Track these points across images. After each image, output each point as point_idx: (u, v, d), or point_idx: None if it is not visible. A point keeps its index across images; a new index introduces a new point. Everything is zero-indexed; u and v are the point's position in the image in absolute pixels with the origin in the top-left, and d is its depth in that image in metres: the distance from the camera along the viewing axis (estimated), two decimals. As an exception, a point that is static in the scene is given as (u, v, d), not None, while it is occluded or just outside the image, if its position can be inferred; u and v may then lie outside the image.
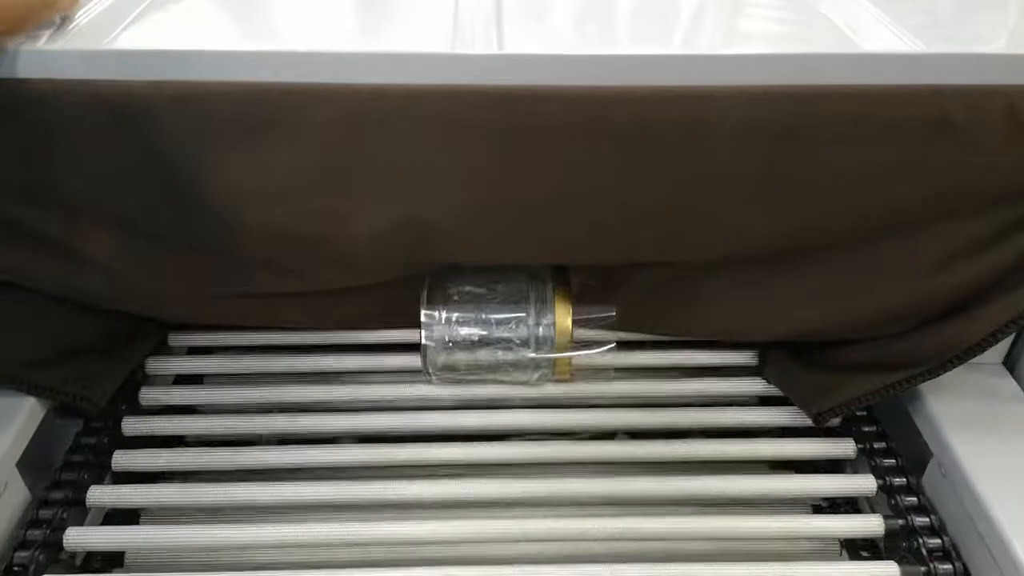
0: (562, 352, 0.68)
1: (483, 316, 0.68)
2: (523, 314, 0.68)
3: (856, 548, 0.67)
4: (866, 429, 0.71)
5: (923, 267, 0.62)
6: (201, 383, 0.76)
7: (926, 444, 0.67)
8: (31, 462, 0.64)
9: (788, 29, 0.65)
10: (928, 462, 0.67)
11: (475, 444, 0.69)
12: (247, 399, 0.73)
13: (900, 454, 0.69)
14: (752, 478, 0.68)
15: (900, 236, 0.61)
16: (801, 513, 0.70)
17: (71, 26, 0.56)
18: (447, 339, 0.68)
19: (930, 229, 0.60)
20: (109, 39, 0.56)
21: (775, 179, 0.57)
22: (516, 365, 0.69)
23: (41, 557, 0.59)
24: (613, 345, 0.70)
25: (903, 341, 0.65)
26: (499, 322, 0.68)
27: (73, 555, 0.62)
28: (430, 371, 0.69)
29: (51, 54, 0.52)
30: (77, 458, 0.67)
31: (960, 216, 0.60)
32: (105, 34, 0.56)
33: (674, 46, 0.62)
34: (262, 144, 0.54)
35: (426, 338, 0.68)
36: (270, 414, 0.72)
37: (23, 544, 0.60)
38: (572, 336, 0.68)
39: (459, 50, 0.56)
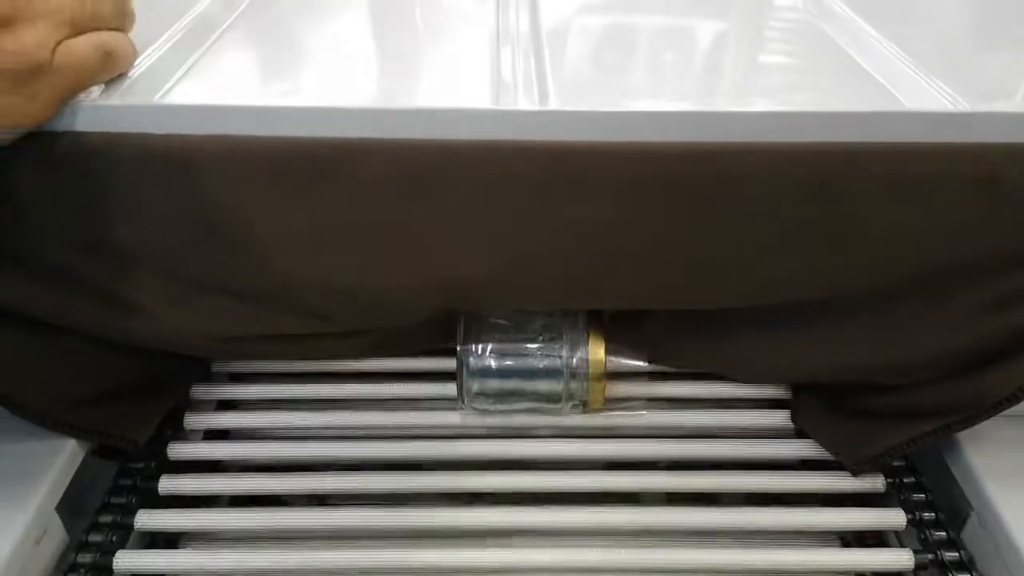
0: (595, 383, 0.69)
1: (517, 346, 0.69)
2: (557, 345, 0.69)
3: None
4: (906, 480, 0.71)
5: (957, 318, 0.61)
6: (239, 408, 0.78)
7: (965, 498, 0.66)
8: (70, 504, 0.64)
9: (830, 83, 0.66)
10: (968, 516, 0.66)
11: (510, 473, 0.70)
12: (284, 424, 0.74)
13: (939, 508, 0.68)
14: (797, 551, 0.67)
15: (934, 288, 0.61)
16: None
17: (125, 81, 0.57)
18: (482, 368, 0.69)
19: (966, 281, 0.60)
20: (161, 93, 0.57)
21: (816, 235, 0.58)
22: (549, 396, 0.70)
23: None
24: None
25: (939, 390, 0.64)
26: (533, 352, 0.69)
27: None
28: (464, 400, 0.70)
29: (107, 108, 0.53)
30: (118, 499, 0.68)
31: (998, 269, 0.59)
32: (157, 88, 0.58)
33: (717, 102, 0.63)
34: (308, 197, 0.55)
35: (461, 367, 0.69)
36: (307, 441, 0.73)
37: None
38: (605, 368, 0.69)
39: (503, 106, 0.57)
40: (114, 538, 0.65)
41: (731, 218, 0.57)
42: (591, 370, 0.68)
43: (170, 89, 0.58)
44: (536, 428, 0.73)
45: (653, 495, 0.75)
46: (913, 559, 0.64)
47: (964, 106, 0.57)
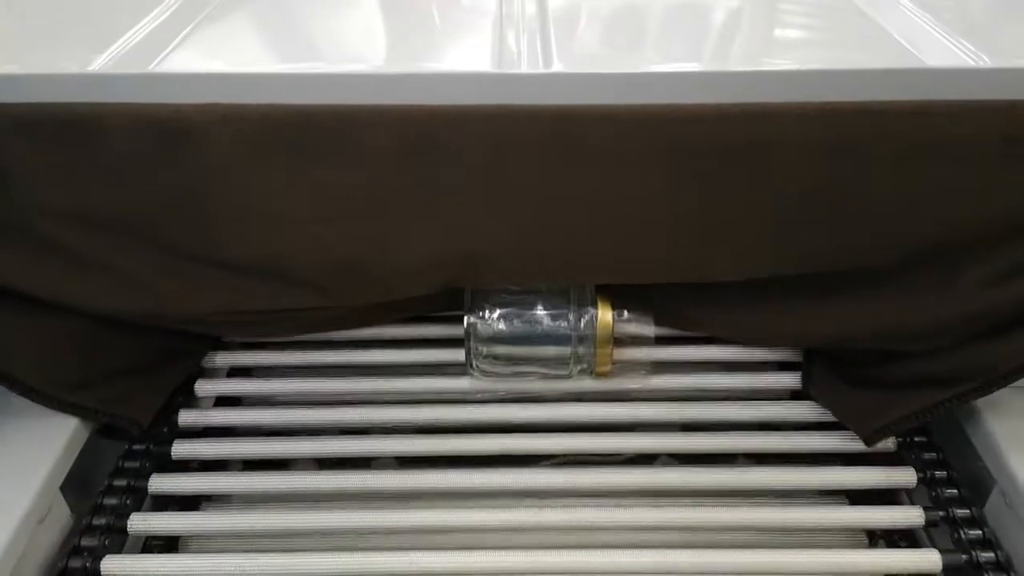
0: (602, 348, 0.68)
1: (526, 311, 0.69)
2: (564, 309, 0.69)
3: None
4: (926, 456, 0.69)
5: (977, 281, 0.59)
6: (250, 375, 0.78)
7: (988, 472, 0.64)
8: (75, 483, 0.63)
9: (845, 41, 0.64)
10: (991, 491, 0.64)
11: (519, 436, 0.69)
12: (294, 390, 0.74)
13: (960, 484, 0.66)
14: (806, 509, 0.66)
15: (951, 253, 0.59)
16: (855, 544, 0.68)
17: (119, 51, 0.56)
18: (490, 333, 0.68)
19: (986, 243, 0.58)
20: (156, 62, 0.56)
21: (834, 198, 0.55)
22: (557, 359, 0.69)
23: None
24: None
25: (953, 357, 0.63)
26: (541, 317, 0.69)
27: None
28: (473, 365, 0.70)
29: (98, 77, 0.52)
30: (120, 482, 0.67)
31: (1016, 233, 0.57)
32: (152, 57, 0.56)
33: (727, 62, 0.61)
34: (310, 166, 0.54)
35: (470, 332, 0.68)
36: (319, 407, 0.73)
37: (65, 571, 0.59)
38: (613, 331, 0.68)
39: (506, 69, 0.55)
40: (128, 501, 0.65)
41: (747, 184, 0.55)
42: (598, 334, 0.68)
43: (164, 59, 0.56)
44: (545, 392, 0.73)
45: (663, 456, 0.75)
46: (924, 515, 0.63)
47: (986, 62, 0.54)
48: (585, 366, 0.70)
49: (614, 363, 0.70)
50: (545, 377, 0.71)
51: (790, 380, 0.73)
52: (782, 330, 0.69)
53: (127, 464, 0.68)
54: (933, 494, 0.66)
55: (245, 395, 0.77)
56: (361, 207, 0.56)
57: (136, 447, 0.69)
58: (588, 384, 0.72)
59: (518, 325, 0.68)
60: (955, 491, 0.65)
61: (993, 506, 0.64)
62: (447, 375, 0.74)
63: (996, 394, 0.65)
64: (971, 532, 0.62)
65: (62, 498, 0.62)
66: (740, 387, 0.73)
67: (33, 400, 0.62)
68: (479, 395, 0.73)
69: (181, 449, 0.69)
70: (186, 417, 0.72)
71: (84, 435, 0.65)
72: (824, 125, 0.52)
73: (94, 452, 0.67)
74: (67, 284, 0.60)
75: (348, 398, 0.74)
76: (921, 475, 0.66)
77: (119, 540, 0.64)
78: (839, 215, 0.56)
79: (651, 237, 0.59)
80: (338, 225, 0.57)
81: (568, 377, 0.71)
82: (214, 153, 0.53)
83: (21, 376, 0.61)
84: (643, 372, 0.72)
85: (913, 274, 0.61)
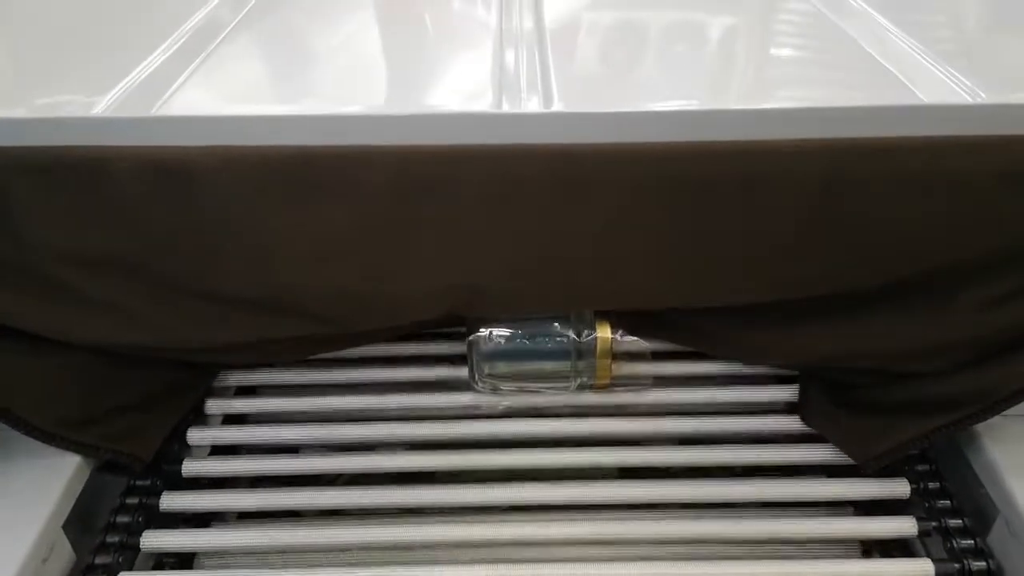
0: (602, 362, 0.70)
1: (526, 328, 0.70)
2: (564, 325, 0.70)
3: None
4: (931, 486, 0.69)
5: (972, 304, 0.59)
6: (254, 394, 0.79)
7: (992, 501, 0.64)
8: (77, 520, 0.63)
9: (843, 77, 0.64)
10: (994, 520, 0.64)
11: (521, 451, 0.71)
12: (298, 408, 0.75)
13: (964, 513, 0.66)
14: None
15: (946, 280, 0.59)
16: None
17: (124, 91, 0.56)
18: (492, 350, 0.70)
19: (983, 269, 0.58)
20: (158, 106, 0.56)
21: (830, 231, 0.56)
22: (558, 374, 0.71)
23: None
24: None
25: (950, 383, 0.63)
26: (541, 333, 0.70)
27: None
28: (476, 380, 0.71)
29: (102, 121, 0.53)
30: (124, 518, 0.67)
31: (1015, 260, 0.58)
32: (155, 98, 0.57)
33: (727, 99, 0.61)
34: (311, 206, 0.54)
35: (472, 349, 0.70)
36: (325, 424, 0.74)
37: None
38: (611, 346, 0.69)
39: (507, 109, 0.56)
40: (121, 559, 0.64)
41: (744, 218, 0.55)
42: (598, 349, 0.69)
43: (166, 102, 0.57)
44: (546, 406, 0.74)
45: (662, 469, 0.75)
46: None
47: (983, 98, 0.55)
48: (585, 380, 0.71)
49: (613, 377, 0.71)
50: (546, 392, 0.73)
51: (787, 394, 0.74)
52: (780, 350, 0.69)
53: (128, 500, 0.68)
54: (936, 524, 0.66)
55: (253, 413, 0.77)
56: (361, 243, 0.57)
57: (139, 483, 0.69)
58: (588, 398, 0.73)
59: (519, 342, 0.70)
60: (960, 521, 0.65)
61: (997, 535, 0.64)
62: (450, 390, 0.75)
63: (998, 423, 0.65)
64: (976, 563, 0.62)
65: (64, 537, 0.62)
66: (738, 400, 0.74)
67: (35, 438, 0.62)
68: (482, 409, 0.74)
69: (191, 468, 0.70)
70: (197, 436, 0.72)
71: (86, 473, 0.65)
72: (820, 161, 0.53)
73: (96, 489, 0.67)
74: (71, 321, 0.60)
75: (352, 415, 0.75)
76: (927, 506, 0.66)
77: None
78: (835, 247, 0.57)
79: (650, 268, 0.60)
80: (338, 261, 0.57)
81: (569, 391, 0.72)
82: (217, 194, 0.53)
83: (23, 414, 0.61)
84: (642, 386, 0.74)
85: (910, 296, 0.61)
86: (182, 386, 0.72)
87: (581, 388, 0.72)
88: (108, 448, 0.65)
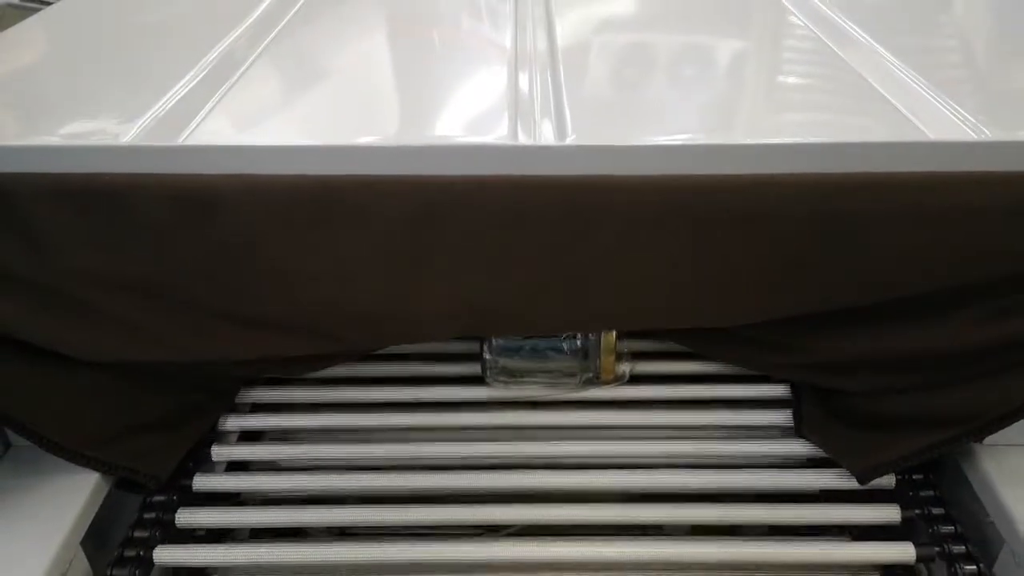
0: (607, 359, 0.75)
1: None
2: None
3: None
4: (935, 512, 0.69)
5: (970, 319, 0.60)
6: (271, 411, 0.80)
7: (997, 531, 0.64)
8: (95, 535, 0.65)
9: (852, 113, 0.65)
10: (999, 550, 0.64)
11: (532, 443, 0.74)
12: (315, 424, 0.77)
13: (970, 540, 0.66)
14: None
15: (949, 296, 0.60)
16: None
17: (150, 121, 0.58)
18: (503, 348, 0.74)
19: (982, 291, 0.59)
20: (184, 135, 0.58)
21: (834, 260, 0.57)
22: (565, 370, 0.76)
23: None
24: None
25: (947, 398, 0.64)
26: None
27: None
28: (488, 375, 0.75)
29: (130, 149, 0.55)
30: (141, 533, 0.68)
31: (1015, 281, 0.58)
32: (180, 130, 0.58)
33: (731, 132, 0.63)
34: (331, 232, 0.56)
35: (485, 348, 0.74)
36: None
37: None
38: (615, 345, 0.74)
39: (523, 141, 0.57)
40: (137, 572, 0.65)
41: (750, 248, 0.57)
42: (603, 346, 0.74)
43: (192, 132, 0.59)
44: (554, 398, 0.78)
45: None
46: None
47: (986, 134, 0.56)
48: (591, 375, 0.76)
49: (618, 375, 0.76)
50: (554, 386, 0.77)
51: (783, 390, 0.77)
52: (783, 361, 0.71)
53: (146, 515, 0.69)
54: (939, 550, 0.66)
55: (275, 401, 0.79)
56: (378, 268, 0.58)
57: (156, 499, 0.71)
58: (594, 393, 0.77)
59: (529, 342, 0.74)
60: (963, 547, 0.66)
61: (1003, 566, 0.64)
62: (464, 384, 0.78)
63: (1002, 452, 0.66)
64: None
65: (82, 552, 0.63)
66: (738, 397, 0.77)
67: (56, 454, 0.64)
68: (494, 401, 0.77)
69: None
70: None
71: (104, 489, 0.67)
72: (826, 195, 0.54)
73: (114, 504, 0.68)
74: (89, 338, 0.61)
75: (372, 404, 0.77)
76: (930, 532, 0.67)
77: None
78: (832, 277, 0.58)
79: (660, 294, 0.61)
80: (356, 285, 0.59)
81: (576, 387, 0.76)
82: (240, 221, 0.55)
83: (46, 431, 0.63)
84: (646, 382, 0.77)
85: (907, 309, 0.62)
86: (200, 408, 0.73)
87: (587, 384, 0.76)
88: (125, 467, 0.66)
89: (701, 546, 0.67)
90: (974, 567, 0.64)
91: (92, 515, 0.64)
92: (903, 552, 0.66)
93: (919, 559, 0.65)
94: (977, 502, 0.67)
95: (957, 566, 0.64)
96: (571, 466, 0.74)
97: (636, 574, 0.69)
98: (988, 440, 0.67)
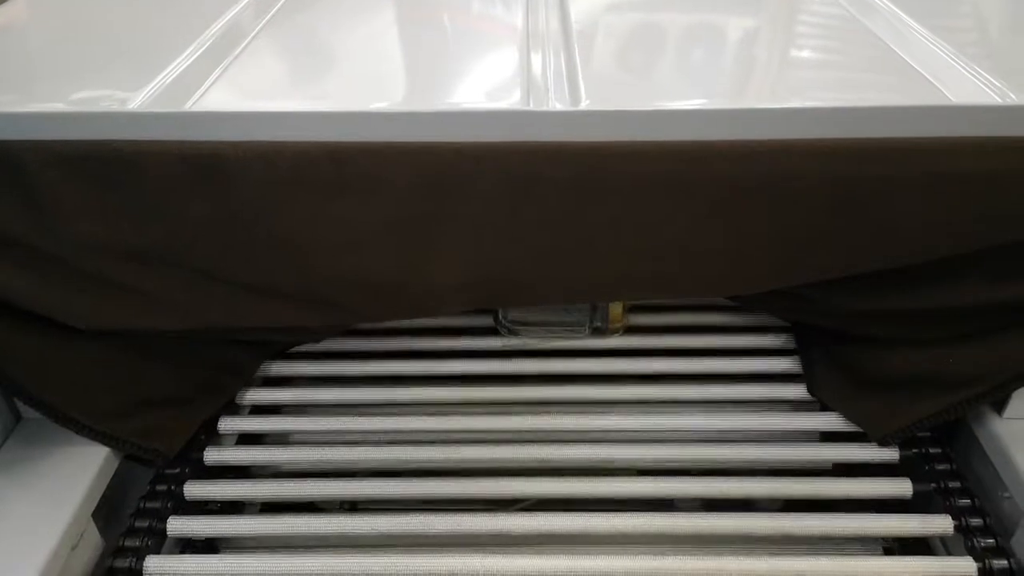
0: (614, 310, 0.80)
1: None
2: None
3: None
4: (951, 485, 0.68)
5: (986, 276, 0.60)
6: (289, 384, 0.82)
7: (1015, 505, 0.64)
8: (106, 507, 0.65)
9: (874, 78, 0.64)
10: (1018, 523, 0.64)
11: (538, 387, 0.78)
12: (325, 398, 0.78)
13: (988, 513, 0.66)
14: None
15: (959, 261, 0.59)
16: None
17: (157, 89, 0.57)
18: None
19: (1000, 256, 0.58)
20: (192, 101, 0.57)
21: (853, 227, 0.56)
22: (575, 322, 0.80)
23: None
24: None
25: (964, 359, 0.64)
26: None
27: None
28: (501, 326, 0.80)
29: (138, 116, 0.54)
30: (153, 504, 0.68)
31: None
32: (186, 97, 0.58)
33: (752, 99, 0.61)
34: (340, 200, 0.55)
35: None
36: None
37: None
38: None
39: (535, 107, 0.56)
40: (149, 542, 0.65)
41: (766, 215, 0.56)
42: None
43: (200, 98, 0.58)
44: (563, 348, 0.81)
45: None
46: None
47: (1012, 98, 0.55)
48: (599, 325, 0.79)
49: (626, 325, 0.80)
50: (563, 336, 0.80)
51: (786, 339, 0.80)
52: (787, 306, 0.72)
53: (158, 487, 0.69)
54: (958, 524, 0.65)
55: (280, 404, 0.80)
56: (388, 236, 0.57)
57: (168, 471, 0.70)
58: (602, 342, 0.81)
59: None
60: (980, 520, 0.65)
61: (1019, 542, 0.63)
62: (477, 335, 0.82)
63: (1022, 426, 0.65)
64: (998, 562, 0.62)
65: (93, 524, 0.63)
66: (744, 346, 0.80)
67: (68, 427, 0.64)
68: (506, 349, 0.80)
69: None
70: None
71: (115, 463, 0.67)
72: (846, 161, 0.53)
73: (123, 477, 0.68)
74: (103, 309, 0.61)
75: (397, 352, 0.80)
76: (947, 503, 0.66)
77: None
78: (856, 243, 0.58)
79: (672, 263, 0.61)
80: (366, 253, 0.58)
81: (584, 336, 0.79)
82: (249, 187, 0.54)
83: (58, 404, 0.62)
84: (652, 332, 0.81)
85: (928, 268, 0.61)
86: (213, 385, 0.73)
87: (595, 333, 0.80)
88: (134, 442, 0.66)
89: (713, 520, 0.67)
90: (992, 540, 0.64)
91: (103, 487, 0.64)
92: (937, 524, 0.65)
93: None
94: (995, 477, 0.66)
95: (975, 540, 0.64)
96: (582, 440, 0.74)
97: (648, 547, 0.68)
98: (1007, 413, 0.66)
